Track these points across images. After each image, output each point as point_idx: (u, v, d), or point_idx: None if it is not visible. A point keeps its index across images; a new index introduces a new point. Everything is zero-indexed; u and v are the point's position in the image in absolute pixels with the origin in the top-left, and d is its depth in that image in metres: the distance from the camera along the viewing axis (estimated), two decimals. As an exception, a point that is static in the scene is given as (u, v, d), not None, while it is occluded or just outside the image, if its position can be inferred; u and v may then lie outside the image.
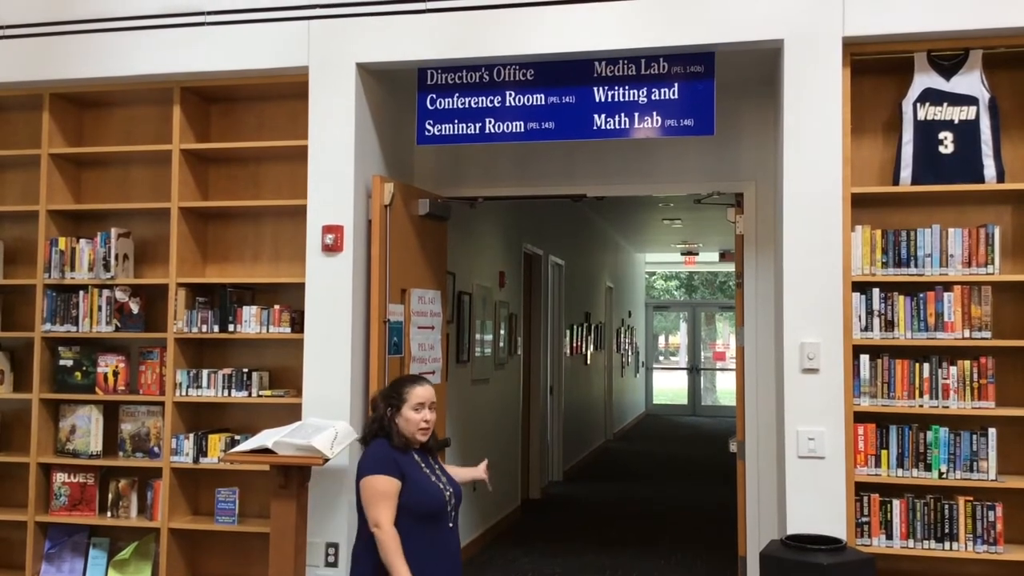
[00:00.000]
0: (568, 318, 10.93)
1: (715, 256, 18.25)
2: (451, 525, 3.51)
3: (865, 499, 4.23)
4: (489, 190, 5.60)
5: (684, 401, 20.29)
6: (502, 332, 7.81)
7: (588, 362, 12.48)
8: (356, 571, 3.51)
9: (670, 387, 21.54)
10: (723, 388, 21.27)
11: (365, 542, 3.45)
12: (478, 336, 7.08)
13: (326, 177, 4.75)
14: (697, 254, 18.23)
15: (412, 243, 5.10)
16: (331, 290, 4.70)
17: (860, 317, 4.29)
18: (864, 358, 4.27)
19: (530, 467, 9.20)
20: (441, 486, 3.52)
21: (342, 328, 4.68)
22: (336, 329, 4.68)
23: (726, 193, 5.31)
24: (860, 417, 4.25)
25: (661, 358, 23.37)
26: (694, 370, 20.24)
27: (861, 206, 4.35)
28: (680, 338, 27.83)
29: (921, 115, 4.33)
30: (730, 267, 21.70)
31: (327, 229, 4.73)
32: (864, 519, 4.22)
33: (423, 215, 5.18)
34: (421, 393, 3.56)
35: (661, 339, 24.17)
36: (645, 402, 19.86)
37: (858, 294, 4.29)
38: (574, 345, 11.39)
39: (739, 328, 5.29)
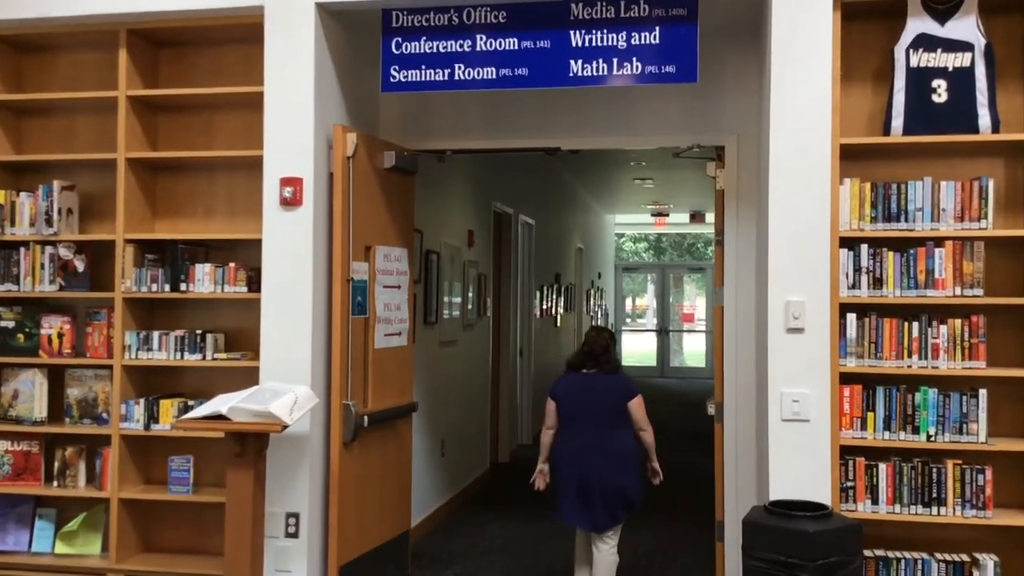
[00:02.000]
0: (538, 279, 10.71)
1: (685, 217, 18.11)
2: None
3: (850, 463, 4.07)
4: (458, 143, 5.32)
5: (653, 363, 20.22)
6: (471, 293, 7.57)
7: (558, 324, 12.29)
8: (630, 459, 4.76)
9: (637, 349, 21.45)
10: (690, 350, 21.22)
11: (629, 440, 4.76)
12: (446, 297, 6.83)
13: (284, 126, 4.45)
14: (667, 215, 18.05)
15: (377, 198, 4.83)
16: (290, 247, 4.43)
17: (847, 274, 4.10)
18: (851, 317, 4.08)
19: (499, 430, 9.02)
20: None
21: (302, 287, 4.41)
22: (296, 288, 4.41)
23: (707, 147, 5.07)
24: (846, 378, 4.07)
25: (628, 320, 23.26)
26: (663, 332, 20.16)
27: (850, 158, 4.13)
28: (647, 300, 27.79)
29: (914, 62, 4.11)
30: (700, 229, 21.61)
31: (285, 182, 4.44)
32: (849, 483, 4.06)
33: (388, 168, 4.90)
34: None
35: (628, 302, 24.06)
36: (614, 364, 19.71)
37: (846, 250, 4.09)
38: (544, 307, 11.18)
39: (718, 287, 5.09)
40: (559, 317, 12.27)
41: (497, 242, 8.87)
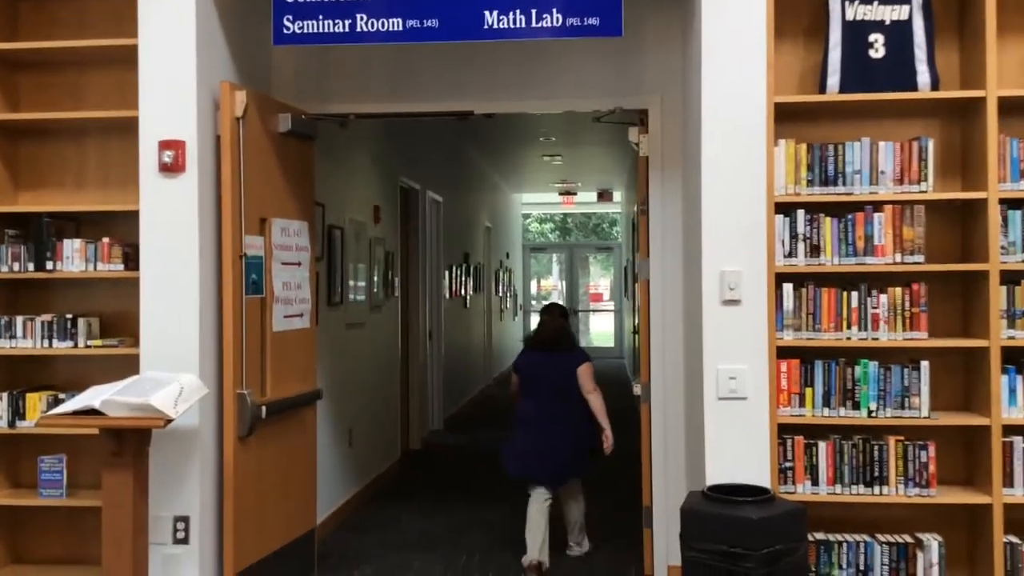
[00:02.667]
0: (447, 258, 10.31)
1: (593, 196, 17.94)
2: None
3: (788, 442, 3.82)
4: (362, 106, 4.88)
5: (562, 344, 20.05)
6: (378, 272, 7.13)
7: (468, 305, 11.92)
8: (582, 428, 5.06)
9: (546, 330, 21.20)
10: (598, 330, 21.13)
11: (578, 406, 5.05)
12: (352, 276, 6.38)
13: (162, 82, 3.95)
14: (575, 194, 17.86)
15: (272, 165, 4.36)
16: (172, 218, 3.94)
17: (783, 242, 3.84)
18: (787, 287, 3.83)
19: (410, 416, 8.62)
20: None
21: (187, 264, 3.93)
22: (180, 265, 3.93)
23: (629, 110, 4.76)
24: (783, 352, 3.82)
25: (534, 302, 23.07)
26: (571, 312, 20.00)
27: (784, 119, 3.87)
28: (552, 281, 27.65)
29: (850, 15, 3.87)
30: (606, 208, 21.50)
31: (165, 145, 3.94)
32: (788, 464, 3.82)
33: (284, 132, 4.44)
34: None
35: (533, 283, 23.86)
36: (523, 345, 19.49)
37: (781, 217, 3.83)
38: (453, 287, 10.80)
39: (643, 260, 4.80)
40: (468, 298, 11.91)
41: (404, 219, 8.44)
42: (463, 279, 11.51)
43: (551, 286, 26.94)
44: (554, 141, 11.49)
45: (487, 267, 13.98)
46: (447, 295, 10.30)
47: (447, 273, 10.34)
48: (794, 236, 3.84)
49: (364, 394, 6.80)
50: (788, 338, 3.82)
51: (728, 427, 3.73)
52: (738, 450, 3.72)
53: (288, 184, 4.50)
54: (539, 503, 5.05)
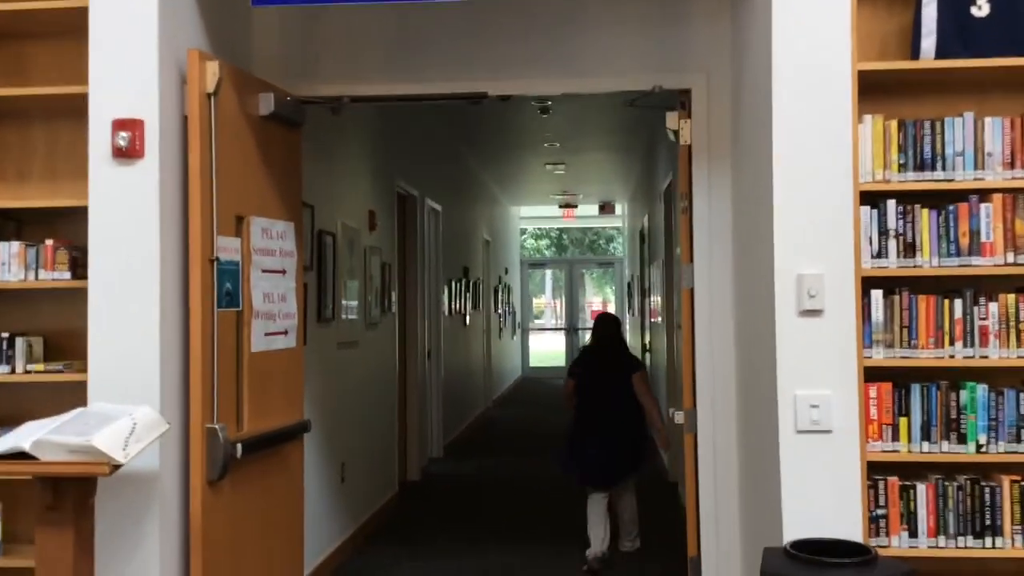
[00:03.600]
0: (446, 272, 9.62)
1: (594, 209, 17.31)
2: None
3: (880, 485, 3.13)
4: (357, 87, 4.18)
5: (561, 363, 19.34)
6: (373, 285, 6.43)
7: (467, 323, 11.22)
8: (636, 430, 5.45)
9: (539, 349, 20.47)
10: (599, 348, 20.40)
11: (631, 410, 5.41)
12: (345, 289, 5.68)
13: (116, 50, 3.27)
14: (576, 207, 17.23)
15: (251, 153, 3.68)
16: (128, 214, 3.24)
17: (871, 239, 3.16)
18: (876, 295, 3.15)
19: (408, 444, 7.89)
20: None
21: (146, 270, 3.23)
22: (136, 272, 3.23)
23: (670, 90, 4.08)
24: (871, 374, 3.13)
25: (533, 320, 22.36)
26: (571, 330, 19.31)
27: (869, 92, 3.20)
28: (545, 300, 26.93)
29: (947, -35, 3.21)
30: (605, 223, 20.85)
31: (119, 125, 3.25)
32: (879, 511, 3.12)
33: (266, 116, 3.76)
34: None
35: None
36: (522, 365, 18.81)
37: (868, 208, 3.16)
38: (453, 303, 10.10)
39: (686, 265, 4.12)
40: (468, 315, 11.21)
41: (402, 228, 7.76)
42: (463, 295, 10.81)
43: (543, 304, 26.26)
44: (558, 148, 10.85)
45: (486, 282, 13.30)
46: (446, 312, 9.61)
47: (446, 288, 9.65)
48: (883, 232, 3.16)
49: (358, 422, 6.09)
50: (878, 357, 3.13)
51: (810, 467, 3.04)
52: (822, 496, 3.03)
53: (271, 177, 3.82)
54: (599, 501, 5.46)
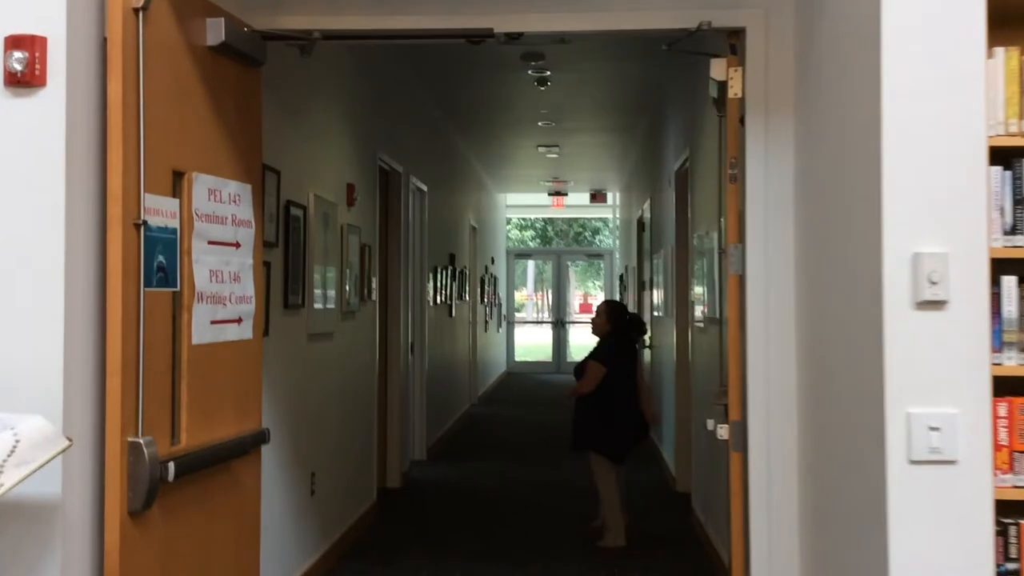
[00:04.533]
0: (431, 259, 8.84)
1: (585, 198, 16.56)
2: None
3: (1011, 530, 2.39)
4: (333, 20, 3.39)
5: (548, 358, 18.61)
6: (352, 269, 5.64)
7: (453, 314, 10.44)
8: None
9: (523, 343, 19.64)
10: (576, 343, 19.62)
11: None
12: (318, 271, 4.89)
13: (11, -57, 2.47)
14: (566, 195, 16.48)
15: (195, 93, 2.89)
16: (22, 160, 2.45)
17: (1003, 210, 2.42)
18: (1008, 282, 2.40)
19: (388, 448, 7.12)
20: None
21: (47, 234, 2.44)
22: (33, 236, 2.44)
23: (718, 28, 3.32)
24: (1001, 387, 2.39)
25: (518, 313, 21.58)
26: (559, 324, 18.57)
27: (999, 22, 2.45)
28: (527, 292, 26.13)
29: None
30: (595, 213, 20.09)
31: (13, 43, 2.45)
32: (1011, 566, 2.38)
33: (216, 48, 2.97)
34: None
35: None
36: (507, 360, 18.07)
37: (999, 169, 2.42)
38: (438, 293, 9.32)
39: (734, 246, 3.36)
40: (453, 306, 10.43)
41: (384, 207, 6.97)
42: (449, 283, 10.03)
43: (524, 297, 25.47)
44: (554, 127, 10.10)
45: (473, 272, 12.52)
46: (431, 301, 8.83)
47: (431, 276, 8.86)
48: (1020, 199, 2.42)
49: (332, 425, 5.30)
50: (1009, 363, 2.39)
51: (927, 507, 2.30)
52: (942, 546, 2.29)
53: (222, 127, 3.03)
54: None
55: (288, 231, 4.37)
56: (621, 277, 15.40)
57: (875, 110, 2.39)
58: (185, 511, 2.79)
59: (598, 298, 21.13)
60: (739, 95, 3.33)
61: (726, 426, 3.35)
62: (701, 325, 5.75)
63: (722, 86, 3.39)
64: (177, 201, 2.78)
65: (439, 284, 9.36)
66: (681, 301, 6.86)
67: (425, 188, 8.39)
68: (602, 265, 19.90)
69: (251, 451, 3.21)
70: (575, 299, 22.06)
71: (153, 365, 2.63)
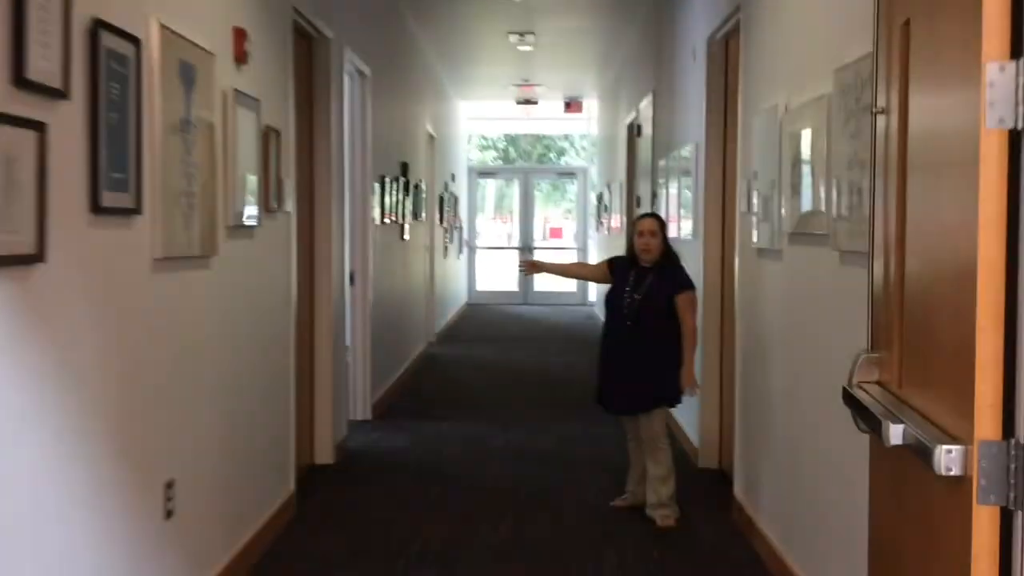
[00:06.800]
0: (378, 166, 6.93)
1: (559, 107, 14.64)
2: (628, 322, 4.42)
3: None
4: None
5: (514, 288, 16.85)
6: (241, 159, 3.74)
7: (406, 236, 8.56)
8: None
9: (484, 272, 17.79)
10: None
11: None
12: (171, 154, 2.99)
13: None
14: (536, 103, 14.52)
15: None
16: None
17: None
18: None
19: (316, 412, 5.33)
20: (625, 293, 4.45)
21: None
22: None
23: None
24: None
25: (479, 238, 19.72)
26: (526, 250, 16.75)
27: None
28: (487, 215, 24.20)
29: None
30: (571, 125, 18.11)
31: None
32: None
33: None
34: (640, 224, 4.57)
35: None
36: (468, 290, 16.29)
37: None
38: (387, 210, 7.42)
39: (999, 63, 1.54)
40: (407, 227, 8.55)
41: (306, 82, 5.04)
42: (400, 199, 8.14)
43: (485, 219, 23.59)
44: (530, 5, 8.14)
45: (431, 189, 10.62)
46: (378, 219, 6.94)
47: (378, 187, 6.97)
48: None
49: (209, 398, 3.48)
50: None
51: None
52: None
53: None
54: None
55: (97, 76, 2.46)
56: (600, 197, 13.60)
57: None
58: None
59: (567, 224, 19.33)
60: None
61: (957, 449, 1.58)
62: (767, 248, 3.96)
63: None
64: None
65: (388, 199, 7.46)
66: (714, 219, 5.08)
67: (368, 71, 6.45)
68: (573, 185, 18.06)
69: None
70: (554, 221, 20.27)
71: None
